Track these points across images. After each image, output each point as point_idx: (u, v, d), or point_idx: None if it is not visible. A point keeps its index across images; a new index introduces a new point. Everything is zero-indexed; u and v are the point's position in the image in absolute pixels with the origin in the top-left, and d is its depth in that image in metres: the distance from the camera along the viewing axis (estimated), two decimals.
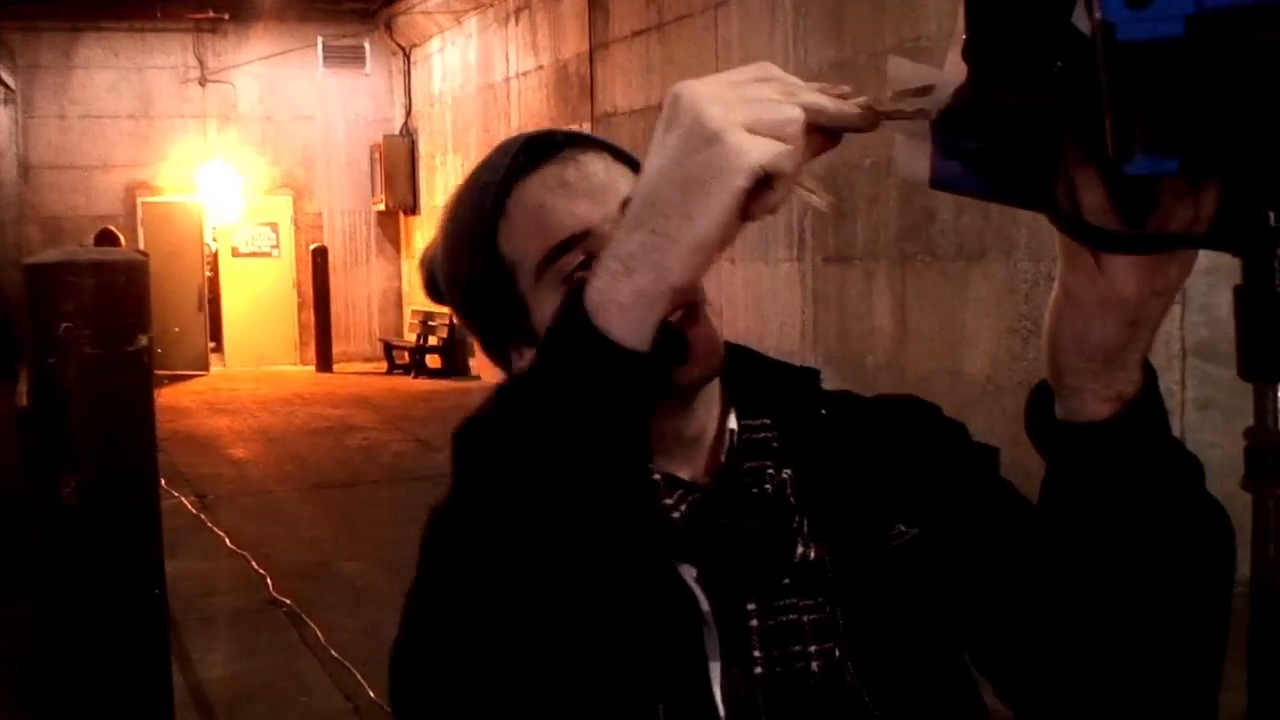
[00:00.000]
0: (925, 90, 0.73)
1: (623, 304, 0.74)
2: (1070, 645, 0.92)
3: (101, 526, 2.66)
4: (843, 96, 0.73)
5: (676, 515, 0.99)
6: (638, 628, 0.80)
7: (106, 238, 12.29)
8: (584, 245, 1.01)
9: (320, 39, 16.39)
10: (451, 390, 13.09)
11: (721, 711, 0.94)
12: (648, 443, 0.78)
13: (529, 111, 12.75)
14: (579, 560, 0.75)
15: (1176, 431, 0.96)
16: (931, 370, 6.82)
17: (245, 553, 6.60)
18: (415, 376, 14.76)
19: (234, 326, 16.30)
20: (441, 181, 14.99)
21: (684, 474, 1.02)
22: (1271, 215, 0.65)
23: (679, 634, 0.95)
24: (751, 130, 0.70)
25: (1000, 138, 0.73)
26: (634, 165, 1.07)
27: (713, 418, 1.05)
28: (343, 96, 16.71)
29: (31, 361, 2.61)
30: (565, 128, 1.16)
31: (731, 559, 0.98)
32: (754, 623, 0.97)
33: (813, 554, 0.98)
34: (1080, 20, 0.63)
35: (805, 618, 0.97)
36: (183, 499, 7.88)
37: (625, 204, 0.78)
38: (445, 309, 1.22)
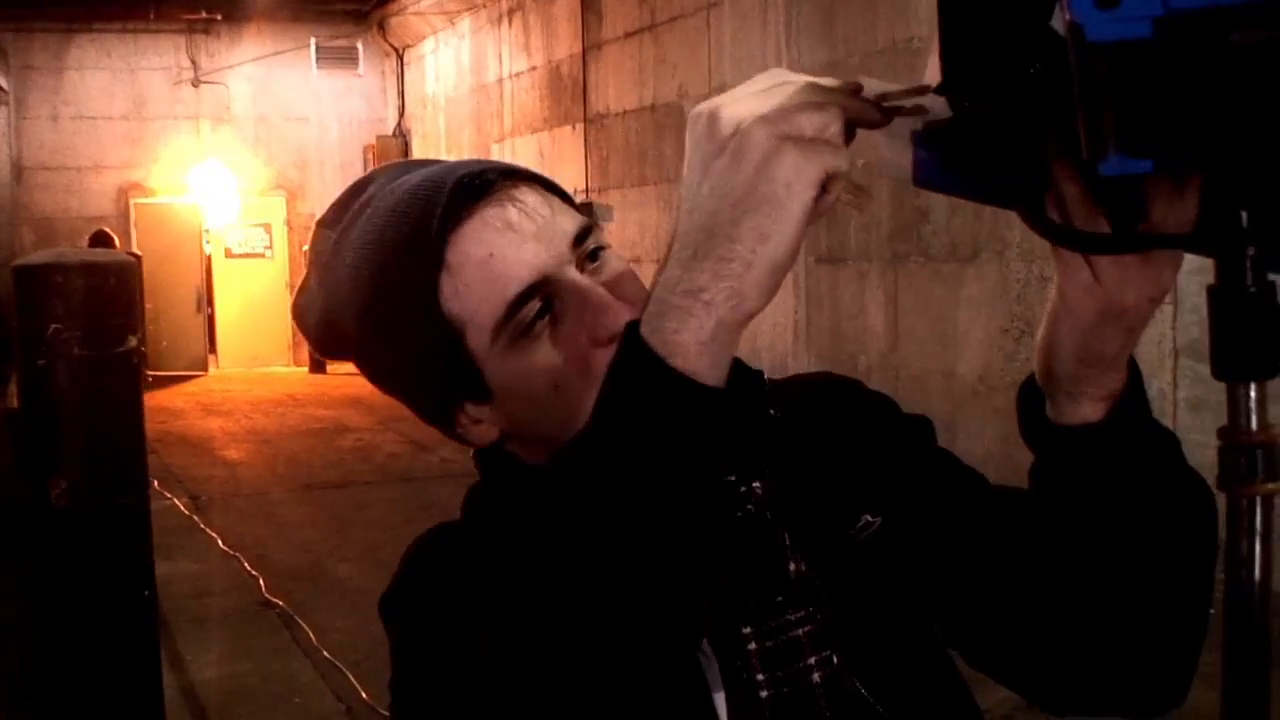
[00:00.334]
0: (923, 89, 0.74)
1: (704, 342, 0.69)
2: (1051, 615, 0.94)
3: (92, 528, 2.66)
4: (854, 92, 0.73)
5: None
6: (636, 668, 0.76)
7: (101, 239, 12.28)
8: (541, 292, 0.95)
9: (313, 40, 16.38)
10: None
11: None
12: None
13: (522, 112, 12.75)
14: (657, 620, 0.71)
15: None
16: (924, 370, 6.83)
17: (238, 554, 6.59)
18: None
19: (227, 328, 16.28)
20: None
21: None
22: (1244, 215, 0.66)
23: (677, 672, 0.90)
24: (798, 138, 0.68)
25: (978, 144, 0.74)
26: (563, 196, 1.02)
27: None
28: (336, 97, 16.71)
29: (21, 363, 2.61)
30: (488, 159, 1.07)
31: (725, 588, 0.93)
32: (752, 646, 0.93)
33: (803, 566, 0.96)
34: (1058, 23, 0.63)
35: (801, 630, 0.95)
36: (176, 501, 7.87)
37: (670, 243, 0.73)
38: None
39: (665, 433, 0.69)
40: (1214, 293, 0.67)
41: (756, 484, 0.97)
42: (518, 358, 0.96)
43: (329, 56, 16.53)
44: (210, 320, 16.31)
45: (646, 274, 0.76)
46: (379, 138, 16.32)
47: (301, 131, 16.64)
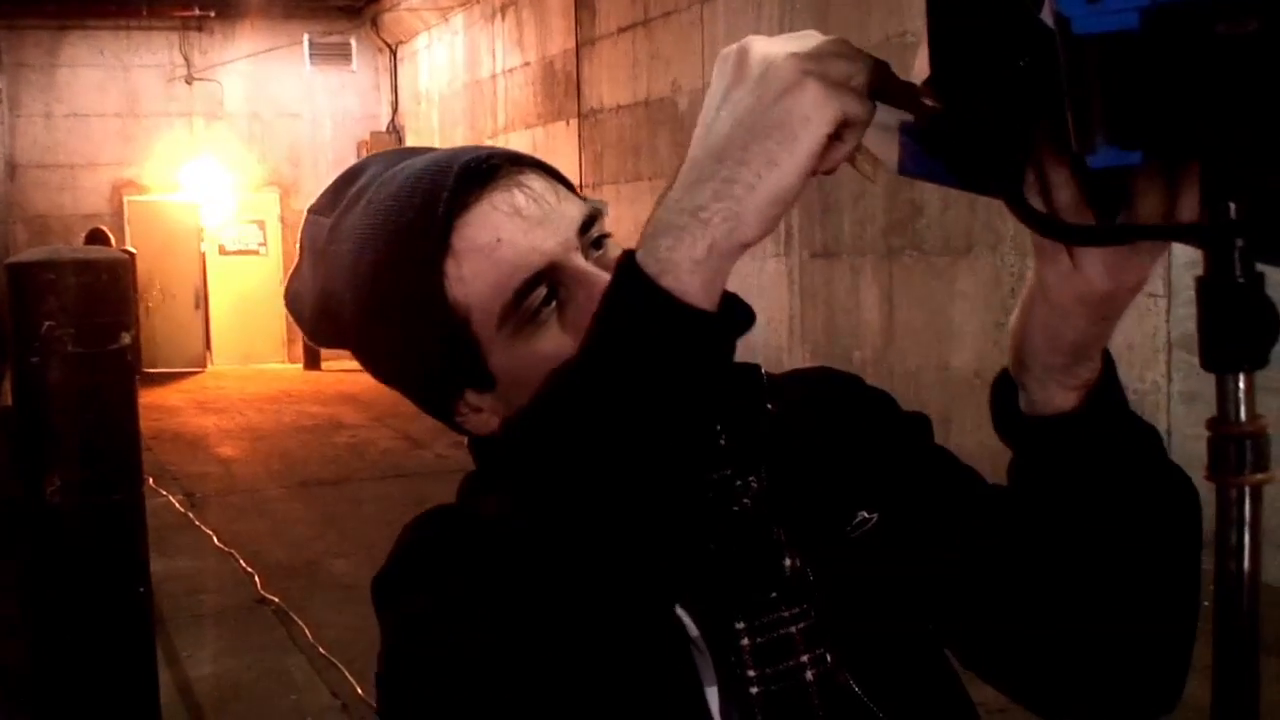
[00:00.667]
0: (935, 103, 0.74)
1: (697, 260, 0.69)
2: (1039, 613, 0.93)
3: (86, 525, 2.66)
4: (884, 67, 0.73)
5: None
6: (628, 662, 0.75)
7: (97, 237, 12.24)
8: (548, 279, 0.94)
9: (306, 36, 16.35)
10: None
11: None
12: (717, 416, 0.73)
13: (515, 108, 12.74)
14: (643, 547, 0.71)
15: (1162, 426, 0.98)
16: (919, 364, 6.84)
17: (233, 551, 6.59)
18: None
19: (221, 324, 16.26)
20: None
21: None
22: (1232, 206, 0.66)
23: (670, 663, 0.90)
24: (824, 77, 0.69)
25: (967, 136, 0.74)
26: (566, 184, 1.02)
27: None
28: (329, 94, 16.68)
29: (14, 361, 2.61)
30: (490, 145, 1.08)
31: (719, 582, 0.93)
32: (744, 641, 0.92)
33: (798, 562, 0.95)
34: (1047, 16, 0.63)
35: (794, 627, 0.94)
36: (170, 498, 7.86)
37: (676, 171, 0.73)
38: None
39: (653, 352, 0.69)
40: (1203, 284, 0.67)
41: (752, 479, 0.96)
42: (524, 344, 0.95)
43: (322, 53, 16.50)
44: (205, 317, 16.30)
45: None
46: (373, 134, 16.30)
47: (295, 128, 16.62)
